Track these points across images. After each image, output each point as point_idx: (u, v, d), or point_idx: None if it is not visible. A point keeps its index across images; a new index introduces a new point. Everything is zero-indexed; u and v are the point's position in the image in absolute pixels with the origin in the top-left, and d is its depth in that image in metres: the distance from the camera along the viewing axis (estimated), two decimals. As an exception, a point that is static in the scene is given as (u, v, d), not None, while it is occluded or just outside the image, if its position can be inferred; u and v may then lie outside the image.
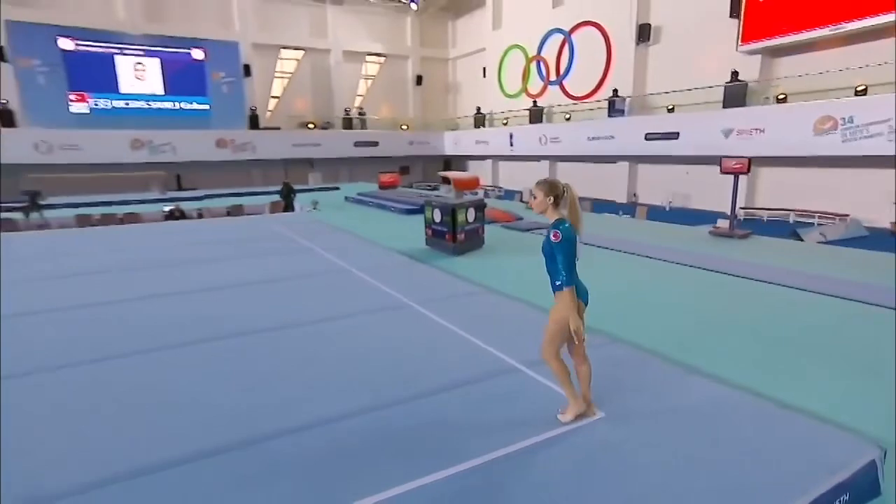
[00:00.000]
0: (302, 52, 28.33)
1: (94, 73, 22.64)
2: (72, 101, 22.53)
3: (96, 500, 2.56)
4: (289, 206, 16.74)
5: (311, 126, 27.74)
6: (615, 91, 20.77)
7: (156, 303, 5.99)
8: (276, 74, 28.03)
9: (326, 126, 28.28)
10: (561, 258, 2.85)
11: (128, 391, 3.71)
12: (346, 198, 19.12)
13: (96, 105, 23.04)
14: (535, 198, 2.98)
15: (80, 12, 22.32)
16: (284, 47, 27.72)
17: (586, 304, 3.04)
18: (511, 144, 25.68)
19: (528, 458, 2.82)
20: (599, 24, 21.72)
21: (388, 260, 8.16)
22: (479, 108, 29.05)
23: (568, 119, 22.95)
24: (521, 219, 12.79)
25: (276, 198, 17.61)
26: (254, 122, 25.91)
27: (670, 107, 18.67)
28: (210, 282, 6.85)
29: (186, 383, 3.85)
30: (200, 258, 8.46)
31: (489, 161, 28.44)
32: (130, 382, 3.86)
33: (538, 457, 2.84)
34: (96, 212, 16.10)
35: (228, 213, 16.76)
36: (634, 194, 20.88)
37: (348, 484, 2.63)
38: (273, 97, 28.12)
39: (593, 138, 20.88)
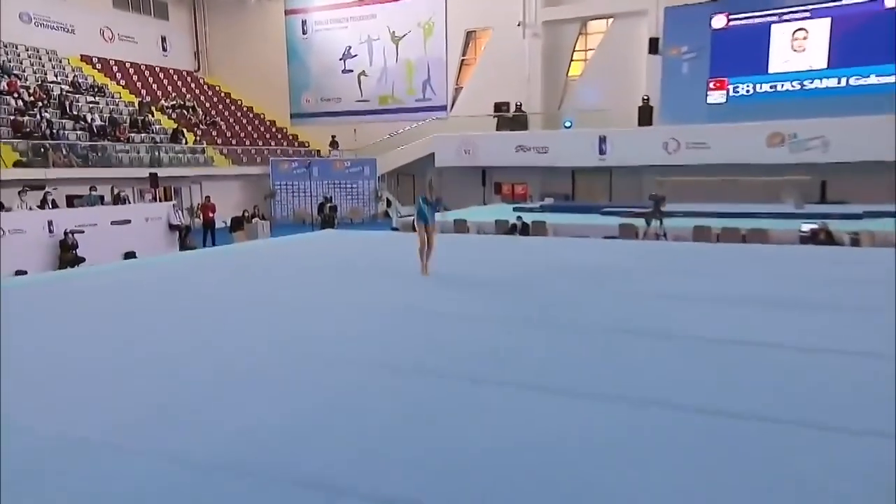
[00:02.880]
0: None
1: (740, 53, 20.66)
2: (710, 89, 21.31)
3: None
4: None
5: None
6: None
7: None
8: None
9: None
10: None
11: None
12: None
13: (735, 92, 21.06)
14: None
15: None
16: None
17: (427, 223, 6.59)
18: None
19: None
20: None
21: None
22: None
23: None
24: None
25: None
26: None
27: None
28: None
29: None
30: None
31: None
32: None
33: None
34: (717, 224, 14.71)
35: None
36: None
37: None
38: None
39: None
